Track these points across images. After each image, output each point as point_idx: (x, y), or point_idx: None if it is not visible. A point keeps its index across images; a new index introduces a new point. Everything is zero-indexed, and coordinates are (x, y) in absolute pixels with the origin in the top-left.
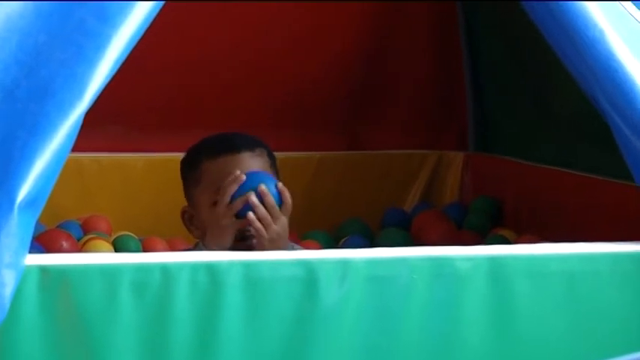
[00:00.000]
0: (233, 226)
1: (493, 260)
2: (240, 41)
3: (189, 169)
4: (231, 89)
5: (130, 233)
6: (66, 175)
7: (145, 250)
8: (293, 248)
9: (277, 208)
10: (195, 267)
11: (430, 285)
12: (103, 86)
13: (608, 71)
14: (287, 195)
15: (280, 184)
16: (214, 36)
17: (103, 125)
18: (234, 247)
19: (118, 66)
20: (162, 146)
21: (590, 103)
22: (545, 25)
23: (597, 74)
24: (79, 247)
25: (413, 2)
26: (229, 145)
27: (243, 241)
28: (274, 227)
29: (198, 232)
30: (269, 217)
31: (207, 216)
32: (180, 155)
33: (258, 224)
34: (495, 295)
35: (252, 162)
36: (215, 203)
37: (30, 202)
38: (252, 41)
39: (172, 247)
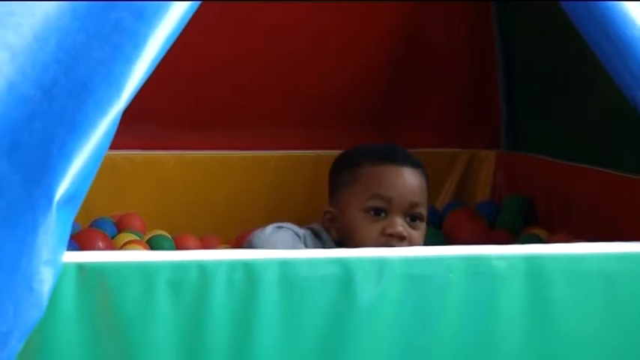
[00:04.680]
0: (381, 244)
1: (530, 259)
2: (273, 40)
3: (345, 169)
4: (264, 88)
5: (164, 233)
6: (99, 173)
7: (178, 247)
8: None
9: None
10: (231, 265)
11: (467, 284)
12: (140, 85)
13: None
14: None
15: None
16: (247, 36)
17: (136, 123)
18: None
19: (154, 65)
20: (195, 144)
21: (622, 101)
22: (584, 23)
23: (636, 74)
24: (115, 247)
25: (447, 2)
26: (394, 155)
27: None
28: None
29: (336, 235)
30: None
31: (354, 217)
32: (213, 153)
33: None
34: (532, 294)
35: (412, 177)
36: (367, 210)
37: (68, 199)
38: (285, 41)
39: (205, 245)
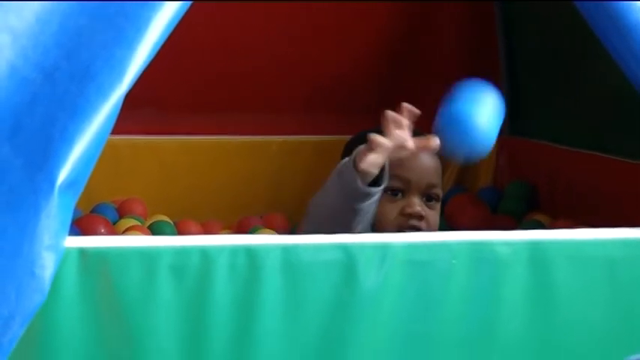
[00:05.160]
0: (400, 223)
1: (533, 245)
2: (275, 24)
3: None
4: (266, 73)
5: (165, 218)
6: (100, 158)
7: (180, 232)
8: None
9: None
10: (234, 250)
11: (469, 270)
12: (142, 69)
13: None
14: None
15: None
16: (249, 19)
17: (138, 108)
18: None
19: (157, 49)
20: (197, 129)
21: (626, 87)
22: (588, 8)
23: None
24: (117, 233)
25: None
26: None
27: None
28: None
29: None
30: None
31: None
32: (215, 138)
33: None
34: (535, 280)
35: (429, 159)
36: (386, 190)
37: (70, 184)
38: (287, 25)
39: (207, 230)
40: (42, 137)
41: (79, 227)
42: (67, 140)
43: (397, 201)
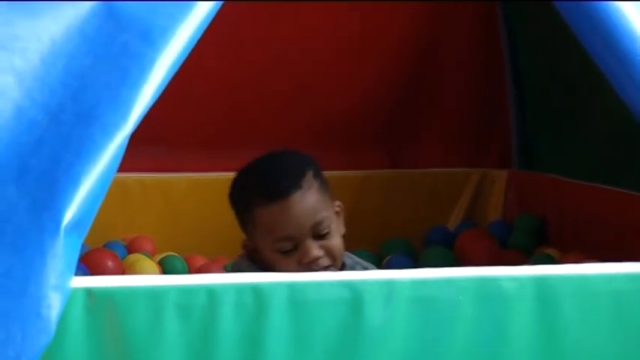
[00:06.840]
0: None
1: (540, 280)
2: (283, 62)
3: (242, 209)
4: (274, 109)
5: (175, 254)
6: (109, 195)
7: (189, 265)
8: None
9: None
10: (240, 288)
11: (476, 306)
12: (148, 109)
13: None
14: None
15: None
16: (257, 56)
17: (147, 145)
18: None
19: (162, 88)
20: (206, 166)
21: (634, 120)
22: (587, 37)
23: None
24: (125, 267)
25: (456, 17)
26: (277, 190)
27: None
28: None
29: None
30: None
31: (269, 257)
32: (224, 175)
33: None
34: (542, 315)
35: (302, 203)
36: (277, 250)
37: (76, 224)
38: (296, 62)
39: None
40: (48, 178)
41: (87, 261)
42: (72, 180)
43: (293, 254)
